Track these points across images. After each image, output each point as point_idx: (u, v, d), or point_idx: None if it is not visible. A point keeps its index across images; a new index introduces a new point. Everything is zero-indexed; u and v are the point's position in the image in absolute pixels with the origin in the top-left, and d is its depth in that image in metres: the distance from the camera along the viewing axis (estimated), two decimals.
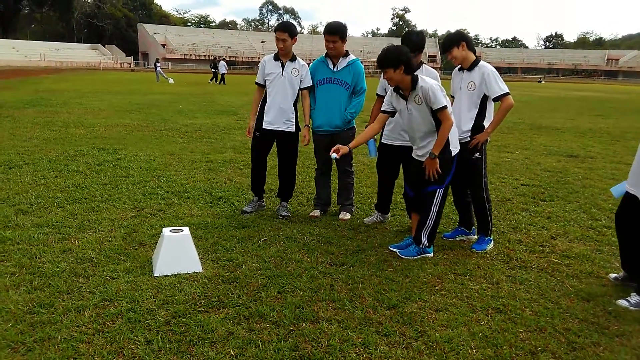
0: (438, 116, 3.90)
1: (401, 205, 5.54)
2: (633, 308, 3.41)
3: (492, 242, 4.49)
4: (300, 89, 5.07)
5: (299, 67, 5.00)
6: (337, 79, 4.95)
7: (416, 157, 4.23)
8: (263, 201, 5.44)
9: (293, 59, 5.02)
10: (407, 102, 4.05)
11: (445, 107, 3.88)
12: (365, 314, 3.22)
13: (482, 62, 4.25)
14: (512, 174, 7.53)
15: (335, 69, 4.95)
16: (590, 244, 4.67)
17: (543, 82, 67.68)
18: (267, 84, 5.04)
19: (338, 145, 4.17)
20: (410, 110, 4.04)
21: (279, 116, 5.01)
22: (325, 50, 4.99)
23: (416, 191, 4.29)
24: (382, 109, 4.31)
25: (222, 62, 37.25)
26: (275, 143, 5.20)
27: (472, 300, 3.46)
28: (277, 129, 5.04)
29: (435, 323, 3.14)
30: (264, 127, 5.06)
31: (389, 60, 3.91)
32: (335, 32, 4.81)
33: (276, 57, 5.04)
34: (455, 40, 4.26)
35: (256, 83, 5.15)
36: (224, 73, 35.97)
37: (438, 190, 4.10)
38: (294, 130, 5.10)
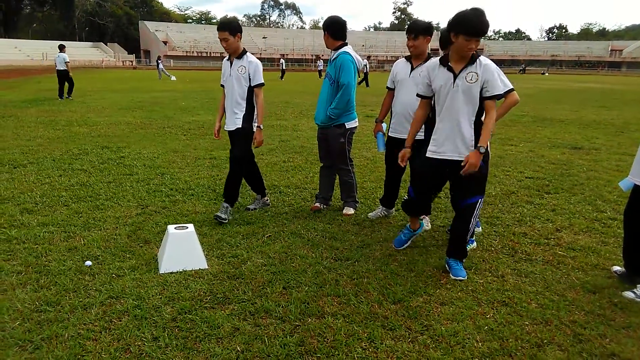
0: (486, 105, 3.51)
1: None
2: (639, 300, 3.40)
3: (474, 242, 4.35)
4: (252, 87, 4.81)
5: (246, 64, 4.75)
6: (328, 73, 4.98)
7: (441, 157, 3.66)
8: (267, 198, 5.42)
9: (241, 56, 4.78)
10: (456, 78, 3.53)
11: (501, 95, 3.68)
12: (370, 308, 3.23)
13: (481, 57, 3.97)
14: (517, 167, 7.51)
15: (330, 63, 4.97)
16: (595, 236, 4.66)
17: (547, 74, 67.43)
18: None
19: (402, 152, 3.98)
20: (456, 87, 3.52)
21: (230, 116, 4.87)
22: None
23: (422, 197, 3.93)
24: (420, 93, 3.84)
25: None
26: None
27: (477, 294, 3.46)
28: (228, 129, 4.93)
29: (441, 317, 3.15)
30: (224, 128, 5.01)
31: (448, 25, 3.50)
32: (324, 27, 4.90)
33: (229, 56, 4.89)
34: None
35: (221, 85, 5.05)
36: None
37: (480, 200, 3.68)
38: (240, 126, 4.82)
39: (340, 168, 5.21)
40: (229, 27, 4.67)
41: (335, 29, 4.87)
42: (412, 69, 4.59)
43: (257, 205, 5.29)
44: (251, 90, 4.81)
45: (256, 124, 4.86)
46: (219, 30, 4.67)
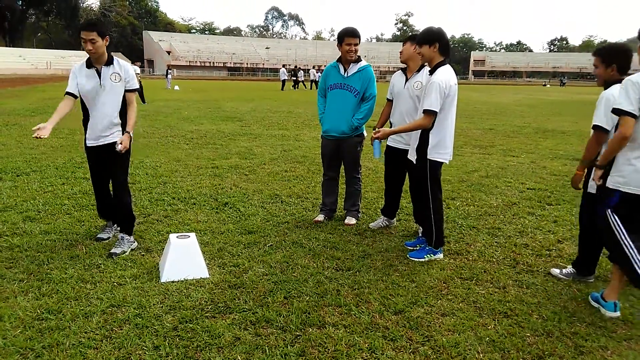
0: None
1: (407, 210, 5.54)
2: (564, 277, 3.89)
3: (439, 254, 4.28)
4: (126, 91, 4.25)
5: (119, 71, 4.21)
6: (346, 85, 4.91)
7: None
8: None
9: (109, 62, 4.18)
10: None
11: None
12: (371, 318, 3.22)
13: (446, 66, 4.03)
14: (518, 178, 7.51)
15: (345, 75, 4.92)
16: None
17: (548, 85, 67.66)
18: (82, 97, 4.21)
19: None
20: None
21: (106, 131, 4.20)
22: (339, 55, 4.96)
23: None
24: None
25: (282, 70, 37.60)
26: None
27: (478, 305, 3.45)
28: (102, 143, 4.23)
29: (442, 328, 3.14)
30: (88, 145, 4.29)
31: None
32: (357, 34, 4.83)
33: (89, 64, 4.18)
34: (431, 37, 4.02)
35: (67, 93, 4.14)
36: (284, 79, 36.36)
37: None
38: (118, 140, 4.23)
39: (352, 177, 5.23)
40: (97, 28, 4.04)
41: (360, 38, 4.89)
42: (407, 80, 4.65)
43: (109, 233, 4.59)
44: (124, 100, 4.27)
45: (127, 131, 4.22)
46: (85, 30, 4.00)
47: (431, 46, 4.00)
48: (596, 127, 3.43)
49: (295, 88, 37.21)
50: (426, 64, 4.42)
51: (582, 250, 3.91)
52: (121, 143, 4.10)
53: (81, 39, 4.05)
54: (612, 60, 3.57)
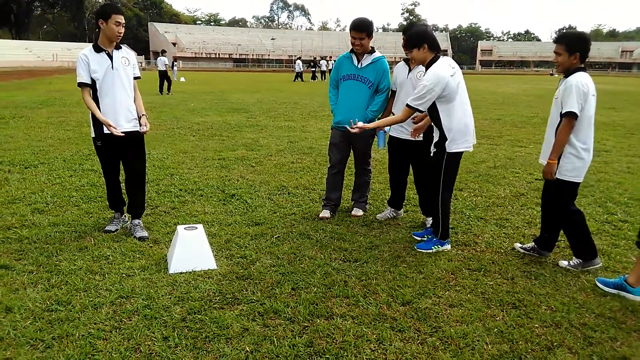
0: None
1: (414, 201, 5.53)
2: (572, 268, 3.89)
3: (446, 245, 4.27)
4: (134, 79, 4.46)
5: (127, 55, 4.37)
6: (360, 76, 4.83)
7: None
8: (125, 216, 4.78)
9: (118, 47, 4.31)
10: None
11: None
12: (379, 310, 3.22)
13: (437, 62, 3.99)
14: (526, 169, 7.47)
15: (359, 66, 4.85)
16: (606, 238, 4.62)
17: (556, 74, 67.14)
18: (96, 82, 4.22)
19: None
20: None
21: (122, 116, 4.28)
22: (346, 45, 4.92)
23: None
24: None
25: (298, 62, 37.61)
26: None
27: (487, 296, 3.45)
28: (126, 130, 4.28)
29: (450, 319, 3.14)
30: (106, 132, 4.24)
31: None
32: (362, 28, 4.70)
33: (97, 49, 4.23)
34: (417, 41, 4.00)
35: (82, 84, 4.20)
36: (298, 72, 36.39)
37: None
38: (139, 128, 4.42)
39: (363, 169, 5.21)
40: (121, 11, 4.31)
41: (372, 30, 4.78)
42: (410, 70, 4.62)
43: (116, 226, 4.64)
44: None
45: (143, 114, 4.46)
46: (122, 14, 4.23)
47: (420, 49, 3.99)
48: (570, 114, 3.63)
49: (313, 79, 37.52)
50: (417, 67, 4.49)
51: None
52: (144, 125, 4.38)
53: (115, 22, 4.16)
54: (576, 48, 3.68)
